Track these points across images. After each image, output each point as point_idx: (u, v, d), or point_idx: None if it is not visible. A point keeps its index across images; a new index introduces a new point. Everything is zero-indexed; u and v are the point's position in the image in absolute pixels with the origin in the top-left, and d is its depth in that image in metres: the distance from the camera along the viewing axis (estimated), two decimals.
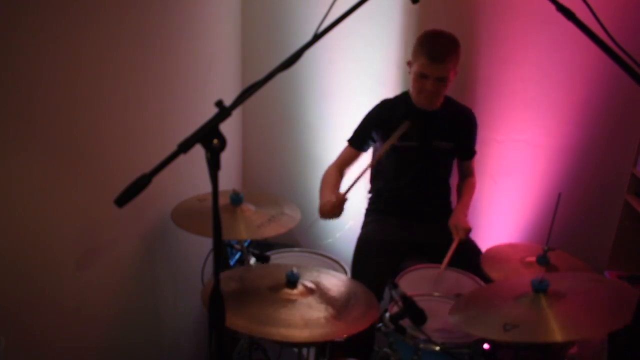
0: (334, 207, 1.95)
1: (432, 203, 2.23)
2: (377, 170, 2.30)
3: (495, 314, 1.38)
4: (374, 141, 2.20)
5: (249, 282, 1.58)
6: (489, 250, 1.93)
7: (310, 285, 1.55)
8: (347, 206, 2.01)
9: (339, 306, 1.46)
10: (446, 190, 2.28)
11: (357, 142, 2.21)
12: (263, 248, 2.11)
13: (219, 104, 0.98)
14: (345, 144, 2.25)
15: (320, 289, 1.54)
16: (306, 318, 1.39)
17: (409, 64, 2.07)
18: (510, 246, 2.06)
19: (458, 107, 2.21)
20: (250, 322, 1.37)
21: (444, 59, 1.94)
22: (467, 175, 2.31)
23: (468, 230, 2.04)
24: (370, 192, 2.34)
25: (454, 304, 1.52)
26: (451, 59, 1.97)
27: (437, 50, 1.95)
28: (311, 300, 1.48)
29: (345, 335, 1.40)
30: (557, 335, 1.24)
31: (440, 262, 1.94)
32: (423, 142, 2.13)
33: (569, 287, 1.42)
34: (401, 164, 2.18)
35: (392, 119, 2.12)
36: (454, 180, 2.33)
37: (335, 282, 1.61)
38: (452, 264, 1.94)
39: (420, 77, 2.00)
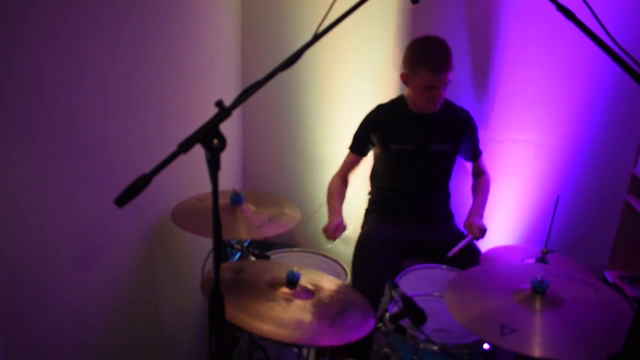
0: (333, 236, 2.04)
1: (431, 204, 2.23)
2: (376, 171, 2.30)
3: (492, 308, 1.37)
4: (373, 145, 2.21)
5: (249, 275, 1.58)
6: (488, 253, 1.93)
7: (309, 287, 1.54)
8: (348, 210, 2.08)
9: (333, 313, 1.44)
10: (445, 194, 2.28)
11: (358, 148, 2.23)
12: (263, 248, 2.11)
13: (219, 104, 0.98)
14: (346, 150, 2.26)
15: (319, 293, 1.53)
16: (299, 320, 1.38)
17: (403, 75, 2.06)
18: (510, 248, 2.06)
19: (454, 109, 2.21)
20: (242, 313, 1.36)
21: (448, 66, 1.95)
22: (479, 175, 2.32)
23: (483, 229, 2.06)
24: (370, 192, 2.35)
25: (453, 279, 1.51)
26: (451, 61, 1.97)
27: (439, 61, 1.95)
28: (307, 303, 1.47)
29: (334, 345, 1.38)
30: (537, 350, 1.22)
31: (441, 262, 1.95)
32: (419, 145, 2.14)
33: (567, 292, 1.41)
34: (398, 166, 2.19)
35: (389, 122, 2.15)
36: (454, 184, 2.32)
37: (335, 288, 1.60)
38: (452, 264, 1.94)
39: (427, 90, 2.00)
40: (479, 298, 1.43)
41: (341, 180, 2.26)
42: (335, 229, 2.02)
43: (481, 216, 2.16)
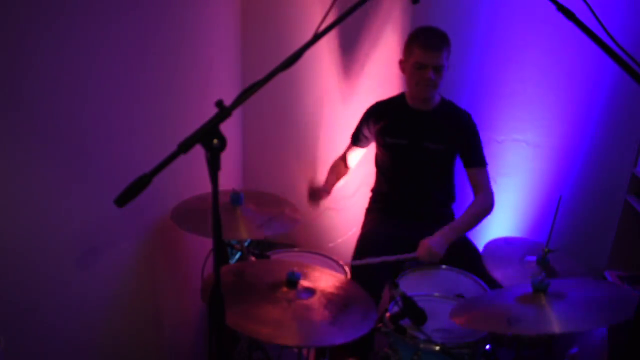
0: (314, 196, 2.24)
1: (430, 202, 2.23)
2: (377, 169, 2.30)
3: (498, 312, 1.39)
4: (366, 138, 2.28)
5: (249, 277, 1.58)
6: (489, 244, 1.93)
7: (309, 286, 1.54)
8: (349, 210, 2.18)
9: (335, 311, 1.44)
10: (445, 195, 2.27)
11: (354, 139, 2.32)
12: (263, 248, 2.11)
13: (219, 104, 0.98)
14: (346, 144, 2.34)
15: (320, 292, 1.53)
16: (300, 320, 1.38)
17: (401, 62, 2.13)
18: (509, 241, 2.06)
19: (454, 109, 2.18)
20: (244, 318, 1.36)
21: (440, 47, 2.00)
22: (478, 191, 2.13)
23: (433, 253, 1.88)
24: (372, 190, 2.35)
25: (455, 307, 1.52)
26: (445, 47, 2.02)
27: (432, 40, 2.01)
28: (308, 302, 1.47)
29: (337, 343, 1.38)
30: (556, 327, 1.28)
31: (441, 262, 1.94)
32: (413, 141, 2.15)
33: (569, 288, 1.43)
34: (393, 161, 2.21)
35: (386, 116, 2.19)
36: (460, 185, 2.32)
37: (336, 285, 1.60)
38: (452, 264, 1.94)
39: (418, 69, 2.03)
40: (484, 308, 1.45)
41: (341, 162, 2.39)
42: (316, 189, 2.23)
43: (445, 239, 1.94)
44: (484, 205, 2.09)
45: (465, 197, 2.37)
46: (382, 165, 2.26)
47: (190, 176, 1.94)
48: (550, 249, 1.77)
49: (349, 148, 2.36)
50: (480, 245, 2.05)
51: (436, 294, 1.72)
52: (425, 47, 1.98)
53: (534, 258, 1.80)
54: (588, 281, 1.51)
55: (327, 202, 2.62)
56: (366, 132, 2.25)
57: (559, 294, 1.40)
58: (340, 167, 2.38)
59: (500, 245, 1.96)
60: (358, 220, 2.37)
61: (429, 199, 2.23)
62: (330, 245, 2.60)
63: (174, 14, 1.87)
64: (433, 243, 1.91)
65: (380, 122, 2.19)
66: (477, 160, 2.15)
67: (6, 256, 1.22)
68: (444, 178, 2.25)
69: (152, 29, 1.74)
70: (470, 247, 2.11)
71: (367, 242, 2.13)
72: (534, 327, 1.30)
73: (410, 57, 2.04)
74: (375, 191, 2.33)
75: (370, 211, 2.32)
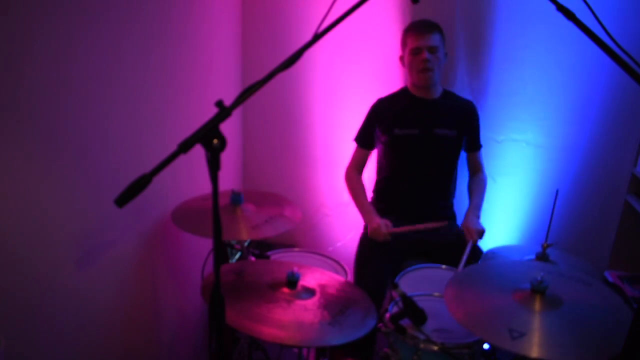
0: (385, 236, 2.04)
1: (434, 201, 2.23)
2: (380, 168, 2.30)
3: (493, 309, 1.38)
4: (377, 137, 2.23)
5: (249, 277, 1.58)
6: (489, 253, 1.93)
7: (309, 287, 1.54)
8: (348, 217, 2.17)
9: (335, 312, 1.45)
10: (449, 188, 2.27)
11: (364, 142, 2.26)
12: (263, 248, 2.11)
13: (219, 104, 0.99)
14: (346, 144, 2.29)
15: (320, 292, 1.53)
16: (300, 320, 1.38)
17: (400, 58, 2.20)
18: (510, 249, 2.06)
19: (458, 98, 2.27)
20: (243, 317, 1.37)
21: (431, 29, 2.10)
22: (476, 171, 2.33)
23: (481, 232, 2.04)
24: (373, 190, 2.34)
25: (453, 277, 1.51)
26: (437, 30, 2.12)
27: (422, 25, 2.12)
28: (308, 303, 1.47)
29: (335, 344, 1.38)
30: (550, 354, 1.23)
31: (441, 262, 1.95)
32: (423, 129, 2.15)
33: (566, 293, 1.42)
34: (402, 154, 2.19)
35: (392, 109, 2.19)
36: (460, 181, 2.32)
37: (336, 285, 1.60)
38: (452, 263, 1.94)
39: (415, 55, 2.11)
40: (479, 297, 1.43)
41: (359, 176, 2.30)
42: (385, 229, 2.05)
43: (478, 217, 2.16)
44: (486, 180, 2.32)
45: (460, 195, 2.38)
46: (388, 163, 2.23)
47: (191, 176, 1.94)
48: (548, 243, 1.77)
49: (361, 156, 2.27)
50: (483, 247, 2.06)
51: (436, 294, 1.72)
52: (416, 33, 2.10)
53: (533, 257, 1.80)
54: (587, 283, 1.50)
55: (323, 208, 2.63)
56: (374, 130, 2.21)
57: (556, 300, 1.38)
58: (360, 183, 2.28)
59: (500, 252, 1.95)
60: (355, 224, 2.37)
61: (433, 198, 2.22)
62: (330, 249, 2.61)
63: (175, 14, 1.88)
64: (478, 225, 2.07)
65: (387, 116, 2.18)
66: (478, 145, 2.32)
67: (6, 256, 1.22)
68: (449, 170, 2.25)
69: (153, 29, 1.74)
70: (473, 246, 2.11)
71: (370, 242, 2.12)
72: (526, 347, 1.24)
73: (406, 47, 2.14)
74: (377, 191, 2.31)
75: None
